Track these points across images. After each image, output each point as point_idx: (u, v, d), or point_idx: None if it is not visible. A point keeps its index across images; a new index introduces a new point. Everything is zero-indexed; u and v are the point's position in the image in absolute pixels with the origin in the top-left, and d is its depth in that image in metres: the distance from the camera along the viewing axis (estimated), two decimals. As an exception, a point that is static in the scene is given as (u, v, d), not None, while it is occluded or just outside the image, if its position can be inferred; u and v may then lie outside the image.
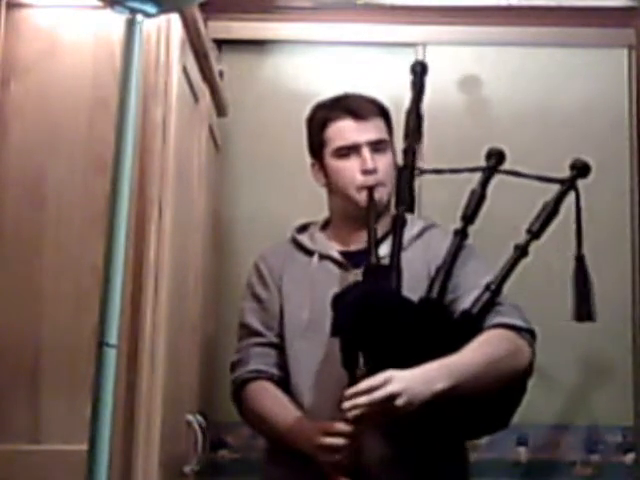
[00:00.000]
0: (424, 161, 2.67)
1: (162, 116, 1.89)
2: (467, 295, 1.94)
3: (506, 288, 1.96)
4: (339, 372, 1.85)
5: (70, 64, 1.88)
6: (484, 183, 2.04)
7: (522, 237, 1.98)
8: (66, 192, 1.85)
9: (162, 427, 1.83)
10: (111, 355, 1.28)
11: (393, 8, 2.87)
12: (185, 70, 2.08)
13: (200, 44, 2.23)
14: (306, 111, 2.13)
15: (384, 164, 2.03)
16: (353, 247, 2.06)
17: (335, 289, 1.96)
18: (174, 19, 1.94)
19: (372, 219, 1.98)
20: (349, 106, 2.05)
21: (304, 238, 2.11)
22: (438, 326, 1.90)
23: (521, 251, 1.96)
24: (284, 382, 2.02)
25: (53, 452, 1.76)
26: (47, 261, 1.83)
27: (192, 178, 2.28)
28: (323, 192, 2.14)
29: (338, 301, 1.88)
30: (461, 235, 2.00)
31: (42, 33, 1.90)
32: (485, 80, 2.89)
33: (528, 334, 1.93)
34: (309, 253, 2.08)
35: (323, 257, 2.06)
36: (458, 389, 1.77)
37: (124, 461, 1.74)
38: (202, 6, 2.18)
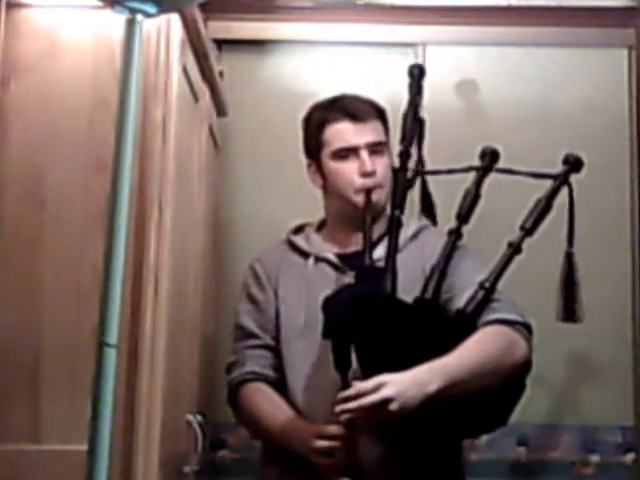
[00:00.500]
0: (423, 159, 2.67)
1: (162, 116, 1.89)
2: (461, 294, 1.93)
3: (505, 288, 1.96)
4: (334, 375, 1.84)
5: (70, 64, 1.89)
6: (478, 182, 2.05)
7: (517, 234, 1.98)
8: (66, 192, 1.85)
9: (162, 427, 1.83)
10: (111, 355, 1.28)
11: (393, 8, 2.87)
12: (185, 70, 2.08)
13: (200, 44, 2.23)
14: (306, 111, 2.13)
15: (382, 166, 2.03)
16: (349, 249, 2.06)
17: (328, 292, 1.96)
18: (174, 19, 1.94)
19: (368, 221, 1.98)
20: (347, 108, 2.05)
21: (300, 240, 2.11)
22: (432, 326, 1.89)
23: (514, 248, 1.96)
24: (279, 384, 2.02)
25: (53, 452, 1.76)
26: (47, 261, 1.83)
27: (192, 178, 2.28)
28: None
29: (328, 303, 1.87)
30: (455, 235, 2.00)
31: (42, 33, 1.90)
32: (485, 80, 2.89)
33: (524, 328, 1.92)
34: (305, 255, 2.08)
35: (319, 259, 2.06)
36: (452, 389, 1.76)
37: (124, 461, 1.74)
38: (202, 6, 2.18)
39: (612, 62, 2.88)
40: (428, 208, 2.22)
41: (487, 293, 1.91)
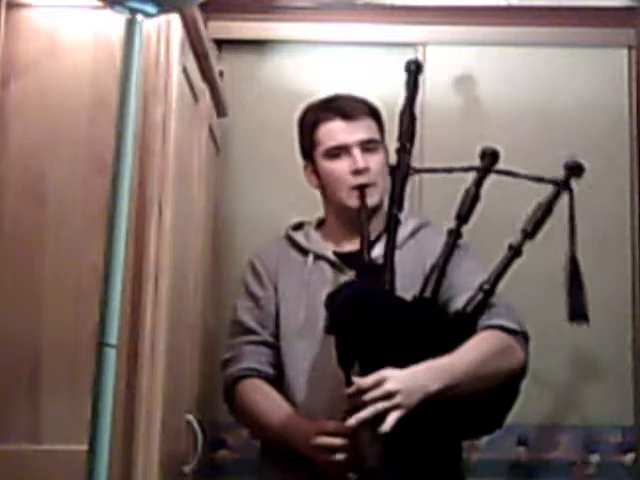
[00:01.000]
0: (424, 160, 2.67)
1: (162, 116, 1.89)
2: (460, 295, 1.93)
3: (506, 288, 1.96)
4: (334, 372, 1.85)
5: (70, 64, 1.89)
6: (478, 183, 2.05)
7: (517, 236, 1.98)
8: (66, 192, 1.85)
9: (162, 427, 1.83)
10: (111, 355, 1.28)
11: (393, 8, 2.87)
12: (185, 70, 2.08)
13: (200, 44, 2.23)
14: (305, 111, 2.13)
15: (375, 163, 2.03)
16: (347, 248, 2.06)
17: (330, 290, 1.96)
18: (174, 19, 1.94)
19: (364, 219, 1.99)
20: (339, 107, 2.05)
21: (299, 236, 2.11)
22: (431, 325, 1.90)
23: (515, 251, 1.96)
24: (276, 381, 2.02)
25: (53, 452, 1.76)
26: (47, 261, 1.83)
27: (192, 178, 2.28)
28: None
29: (332, 299, 1.88)
30: (455, 234, 2.00)
31: (42, 33, 1.90)
32: (485, 80, 2.89)
33: (521, 336, 1.94)
34: (304, 252, 2.08)
35: (318, 257, 2.06)
36: (451, 390, 1.77)
37: (124, 461, 1.74)
38: (202, 6, 2.18)
39: (612, 62, 2.88)
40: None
41: (487, 295, 1.92)
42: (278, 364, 2.02)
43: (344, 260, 2.04)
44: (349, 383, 1.78)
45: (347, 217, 2.05)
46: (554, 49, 2.89)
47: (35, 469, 1.75)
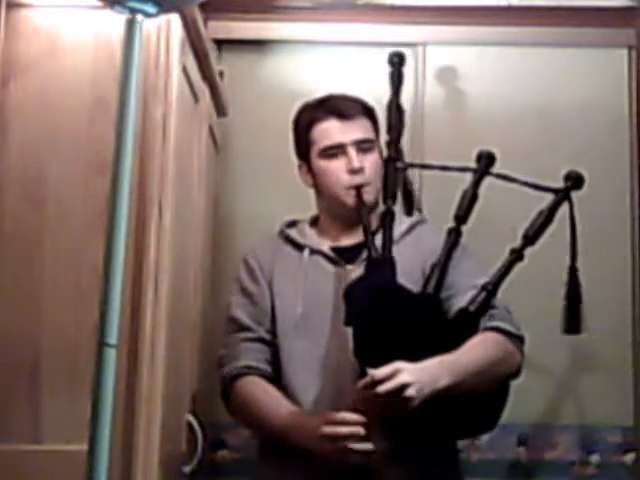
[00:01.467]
0: (424, 160, 2.67)
1: (162, 116, 1.89)
2: (463, 294, 1.96)
3: (508, 289, 1.97)
4: (333, 367, 1.86)
5: (70, 64, 1.89)
6: (475, 184, 2.06)
7: (518, 240, 1.99)
8: (66, 192, 1.85)
9: (162, 427, 1.83)
10: (111, 355, 1.28)
11: (393, 8, 2.87)
12: (185, 70, 2.08)
13: (200, 44, 2.23)
14: (305, 111, 2.14)
15: (371, 163, 2.05)
16: (344, 243, 2.07)
17: (327, 284, 1.98)
18: (174, 19, 1.94)
19: (365, 217, 2.00)
20: (334, 106, 2.06)
21: (294, 233, 2.12)
22: (438, 322, 1.93)
23: (516, 255, 1.98)
24: (274, 378, 2.01)
25: (53, 452, 1.76)
26: (47, 261, 1.83)
27: (192, 178, 2.28)
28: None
29: (351, 291, 1.89)
30: (456, 233, 2.01)
31: (42, 33, 1.90)
32: (485, 80, 2.89)
33: (518, 340, 1.98)
34: (299, 248, 2.08)
35: (314, 252, 2.06)
36: (457, 387, 1.80)
37: (124, 461, 1.74)
38: (202, 6, 2.18)
39: (612, 62, 2.88)
40: (407, 197, 2.23)
41: (489, 296, 1.94)
42: (274, 361, 2.02)
43: (341, 254, 2.05)
44: (363, 374, 1.79)
45: (341, 215, 2.07)
46: (554, 49, 2.89)
47: (35, 469, 1.75)
